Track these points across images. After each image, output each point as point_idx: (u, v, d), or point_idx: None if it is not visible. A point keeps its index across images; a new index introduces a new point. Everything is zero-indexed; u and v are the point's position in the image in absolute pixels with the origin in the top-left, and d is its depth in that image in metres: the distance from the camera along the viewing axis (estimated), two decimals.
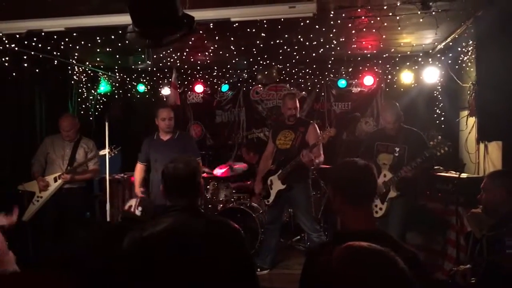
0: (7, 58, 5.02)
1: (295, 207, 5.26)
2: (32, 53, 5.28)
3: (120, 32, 4.67)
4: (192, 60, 6.81)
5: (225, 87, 8.02)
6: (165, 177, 2.24)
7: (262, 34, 5.04)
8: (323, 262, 1.24)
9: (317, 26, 4.74)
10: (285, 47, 5.88)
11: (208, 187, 6.49)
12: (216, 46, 5.83)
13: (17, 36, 4.61)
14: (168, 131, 4.97)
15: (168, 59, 6.59)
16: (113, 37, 4.94)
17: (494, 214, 2.87)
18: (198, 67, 7.51)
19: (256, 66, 7.44)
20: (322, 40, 5.48)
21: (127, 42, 5.00)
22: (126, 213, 3.24)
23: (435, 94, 6.69)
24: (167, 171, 2.24)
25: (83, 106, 6.85)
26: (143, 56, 6.15)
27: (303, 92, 7.79)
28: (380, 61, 7.02)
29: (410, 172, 4.29)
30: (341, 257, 1.22)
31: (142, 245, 2.03)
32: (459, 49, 5.49)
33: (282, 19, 4.21)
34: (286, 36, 5.25)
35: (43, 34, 4.53)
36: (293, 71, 7.53)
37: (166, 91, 7.58)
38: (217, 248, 2.05)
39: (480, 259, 2.84)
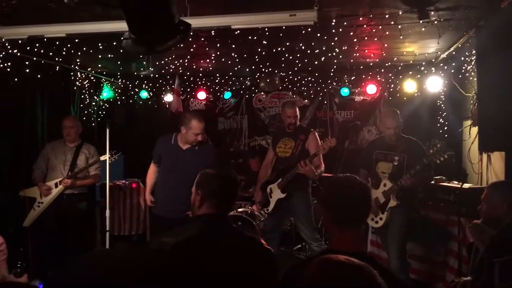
0: (9, 64, 5.04)
1: (295, 216, 5.21)
2: (34, 58, 5.30)
3: (121, 38, 4.67)
4: (194, 67, 6.81)
5: (227, 94, 8.02)
6: (210, 183, 2.15)
7: (264, 42, 5.04)
8: (299, 275, 1.22)
9: (318, 34, 4.73)
10: (287, 55, 5.87)
11: None
12: (218, 53, 5.83)
13: (19, 41, 4.62)
14: (194, 145, 4.57)
15: (171, 66, 6.60)
16: (114, 43, 4.94)
17: (495, 226, 2.83)
18: (201, 74, 7.53)
19: (258, 74, 7.44)
20: (324, 48, 5.46)
21: (121, 50, 5.00)
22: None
23: (438, 104, 6.66)
24: (216, 177, 2.16)
25: (86, 112, 6.86)
26: (144, 62, 6.16)
27: (306, 100, 7.78)
28: (383, 70, 7.02)
29: (409, 180, 4.23)
30: (318, 270, 1.19)
31: (168, 252, 1.96)
32: (462, 58, 5.47)
33: (284, 27, 4.20)
34: (288, 44, 5.24)
35: (45, 40, 4.54)
36: (296, 79, 7.53)
37: (168, 97, 7.59)
38: (242, 264, 1.97)
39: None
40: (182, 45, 4.86)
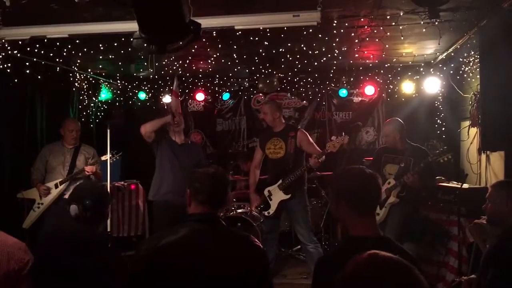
0: (9, 65, 5.01)
1: (293, 217, 5.17)
2: (35, 59, 5.28)
3: (123, 39, 4.68)
4: (193, 68, 6.81)
5: (226, 96, 8.01)
6: (200, 182, 2.12)
7: (265, 43, 5.05)
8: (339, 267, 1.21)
9: (320, 35, 4.75)
10: (287, 56, 5.89)
11: None
12: (218, 54, 5.83)
13: (20, 42, 4.61)
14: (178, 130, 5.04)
15: (170, 67, 6.59)
16: (115, 44, 4.95)
17: (500, 225, 2.85)
18: (200, 75, 7.51)
19: (257, 75, 7.44)
20: (324, 49, 5.48)
21: (129, 49, 5.00)
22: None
23: (436, 104, 6.71)
24: (201, 175, 2.14)
25: (84, 113, 6.84)
26: (145, 64, 6.15)
27: (304, 101, 7.79)
28: (381, 71, 7.04)
29: (411, 177, 4.32)
30: (363, 263, 1.19)
31: (156, 254, 1.96)
32: (461, 59, 5.52)
33: (286, 28, 4.22)
34: (289, 45, 5.26)
35: (45, 41, 4.53)
36: (295, 80, 7.54)
37: (167, 99, 7.57)
38: (233, 264, 1.97)
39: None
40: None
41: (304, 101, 7.79)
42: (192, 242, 1.99)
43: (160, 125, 4.99)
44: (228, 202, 2.24)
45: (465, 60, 5.46)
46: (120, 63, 6.24)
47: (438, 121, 6.64)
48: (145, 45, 2.17)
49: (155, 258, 1.96)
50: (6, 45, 4.71)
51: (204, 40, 4.90)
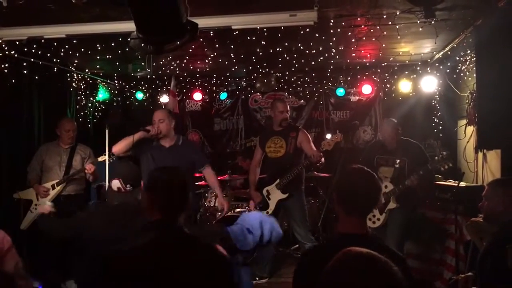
0: (6, 65, 5.01)
1: (290, 216, 5.19)
2: (32, 60, 5.28)
3: (120, 39, 4.68)
4: (191, 68, 6.82)
5: (223, 95, 8.02)
6: (156, 187, 2.07)
7: (262, 42, 5.06)
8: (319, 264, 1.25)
9: (317, 35, 4.77)
10: (285, 55, 5.90)
11: (206, 195, 6.47)
12: (215, 54, 5.84)
13: (17, 43, 4.61)
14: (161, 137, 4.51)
15: (168, 66, 6.59)
16: (113, 44, 4.95)
17: (496, 222, 2.87)
18: (197, 75, 7.52)
19: (255, 74, 7.46)
20: (321, 49, 5.50)
21: (127, 49, 5.00)
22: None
23: (433, 103, 6.72)
24: (162, 180, 2.07)
25: (82, 113, 6.84)
26: (143, 63, 6.15)
27: (302, 101, 7.80)
28: (378, 70, 7.06)
29: (412, 183, 4.35)
30: (339, 260, 1.22)
31: (114, 259, 1.89)
32: (457, 58, 5.54)
33: (283, 27, 4.23)
34: (286, 44, 5.27)
35: (43, 41, 4.54)
36: (292, 79, 7.55)
37: (164, 99, 7.58)
38: (195, 273, 1.88)
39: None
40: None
41: (302, 100, 7.81)
42: (152, 249, 1.91)
43: (132, 143, 4.44)
44: (190, 207, 2.16)
45: (461, 59, 5.48)
46: (117, 63, 6.24)
47: (435, 120, 6.65)
48: (142, 45, 2.18)
49: (112, 263, 1.90)
50: (3, 46, 4.72)
51: (201, 39, 4.91)
